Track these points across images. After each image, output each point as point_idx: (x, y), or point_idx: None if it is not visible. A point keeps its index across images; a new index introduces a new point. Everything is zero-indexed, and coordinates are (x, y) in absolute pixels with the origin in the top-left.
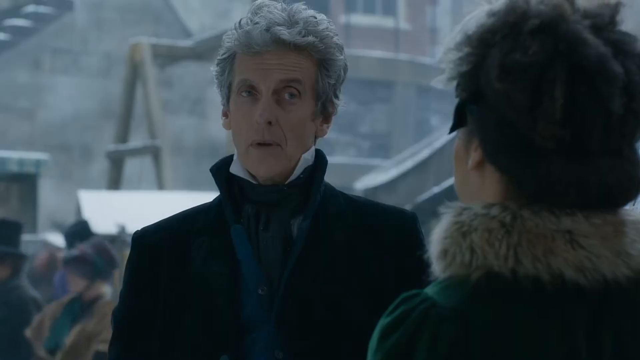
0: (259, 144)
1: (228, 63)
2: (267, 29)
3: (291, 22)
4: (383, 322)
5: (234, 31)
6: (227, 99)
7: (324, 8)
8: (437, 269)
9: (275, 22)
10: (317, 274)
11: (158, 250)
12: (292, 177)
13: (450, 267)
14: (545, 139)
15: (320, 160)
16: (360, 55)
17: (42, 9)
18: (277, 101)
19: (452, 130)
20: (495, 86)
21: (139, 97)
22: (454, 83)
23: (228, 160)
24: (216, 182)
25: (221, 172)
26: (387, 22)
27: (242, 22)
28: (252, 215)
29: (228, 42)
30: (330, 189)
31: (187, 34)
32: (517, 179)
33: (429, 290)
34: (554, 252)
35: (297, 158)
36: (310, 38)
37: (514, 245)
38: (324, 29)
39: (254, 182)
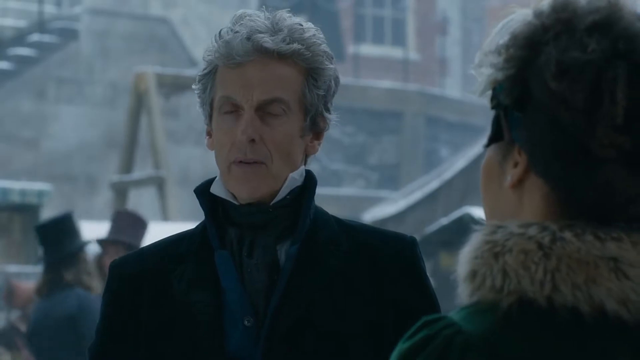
0: (242, 162)
1: (210, 79)
2: (248, 38)
3: (274, 29)
4: (402, 347)
5: (214, 43)
6: (209, 117)
7: (332, 37)
8: (464, 292)
9: (257, 29)
10: (307, 303)
11: (139, 280)
12: (278, 198)
13: (478, 290)
14: (604, 146)
15: (309, 181)
16: (369, 86)
17: (47, 37)
18: (261, 117)
19: (489, 143)
20: (550, 86)
21: (144, 127)
22: (489, 92)
23: (213, 181)
24: (200, 204)
25: (205, 194)
26: (396, 53)
27: (222, 33)
28: (235, 240)
29: (209, 55)
30: (321, 213)
31: (193, 63)
32: (571, 190)
33: (454, 315)
34: (596, 281)
35: (283, 177)
36: (296, 45)
37: (552, 270)
38: (310, 36)
39: (236, 202)
